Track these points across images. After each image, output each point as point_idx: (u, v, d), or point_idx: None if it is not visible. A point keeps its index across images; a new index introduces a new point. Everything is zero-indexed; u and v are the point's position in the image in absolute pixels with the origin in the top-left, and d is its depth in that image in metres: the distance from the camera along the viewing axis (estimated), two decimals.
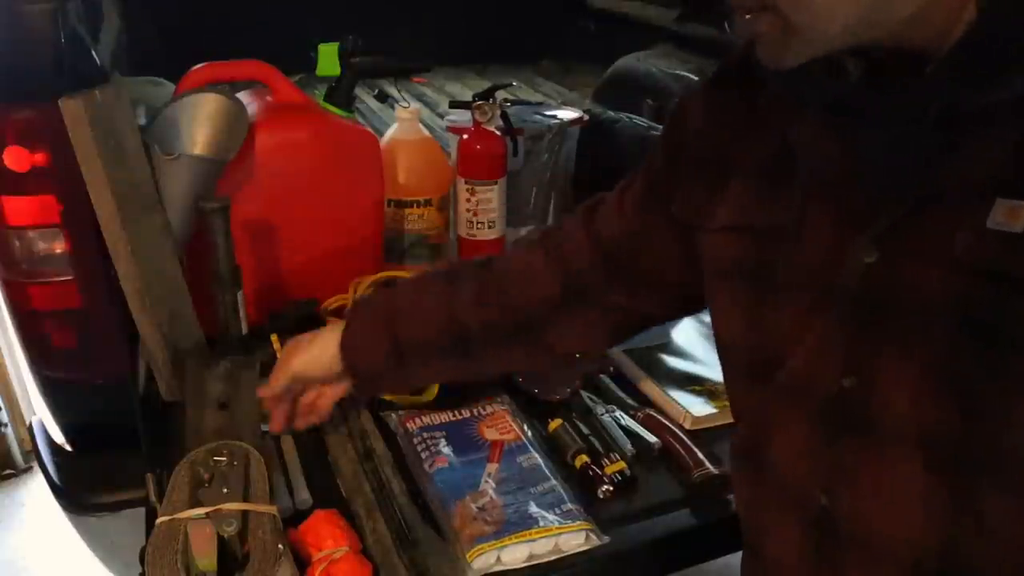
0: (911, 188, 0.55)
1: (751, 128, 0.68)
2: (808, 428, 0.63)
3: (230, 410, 0.96)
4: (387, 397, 1.02)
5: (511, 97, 1.76)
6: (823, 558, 0.63)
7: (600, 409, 1.03)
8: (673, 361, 1.13)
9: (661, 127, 0.82)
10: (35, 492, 2.15)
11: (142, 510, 0.87)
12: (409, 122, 1.32)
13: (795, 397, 0.64)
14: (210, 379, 0.99)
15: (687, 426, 1.00)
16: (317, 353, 0.91)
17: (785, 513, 0.66)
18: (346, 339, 0.90)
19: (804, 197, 0.62)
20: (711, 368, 1.08)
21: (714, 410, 1.01)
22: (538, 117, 1.52)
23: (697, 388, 1.06)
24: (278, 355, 1.06)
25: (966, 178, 0.53)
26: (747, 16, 0.55)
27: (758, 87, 0.66)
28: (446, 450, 0.93)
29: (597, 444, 0.95)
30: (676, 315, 0.92)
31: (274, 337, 1.07)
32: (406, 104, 1.41)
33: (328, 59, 1.25)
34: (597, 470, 0.91)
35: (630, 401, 1.06)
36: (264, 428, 0.95)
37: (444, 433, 0.96)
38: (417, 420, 0.98)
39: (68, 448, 1.10)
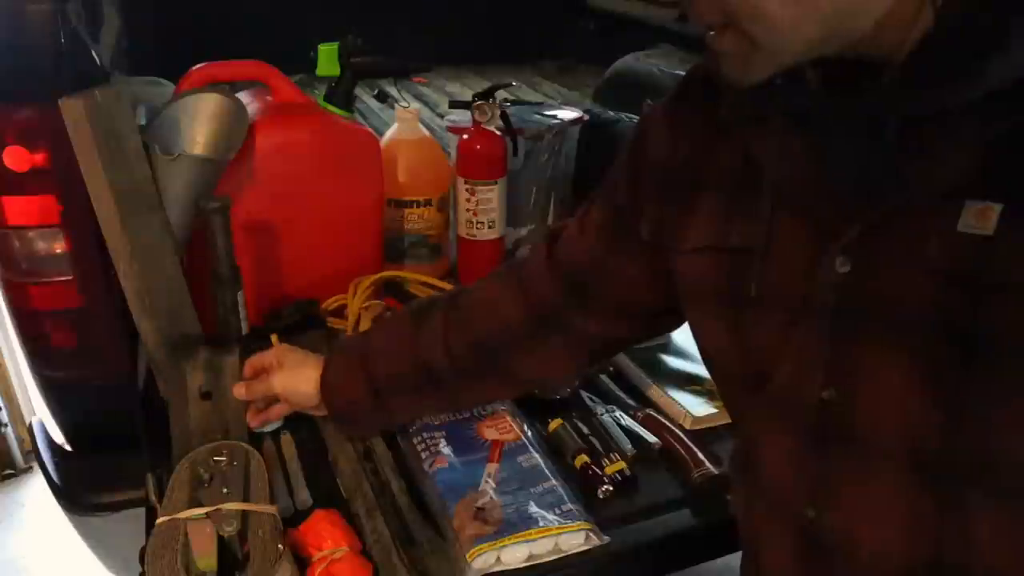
0: (879, 196, 0.55)
1: (714, 143, 0.67)
2: (794, 440, 0.63)
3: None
4: None
5: (511, 97, 1.76)
6: (812, 570, 0.63)
7: (600, 409, 1.03)
8: (673, 361, 1.13)
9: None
10: (35, 492, 2.15)
11: (142, 510, 0.87)
12: (409, 122, 1.32)
13: (781, 410, 0.64)
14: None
15: (687, 426, 1.00)
16: (301, 383, 0.92)
17: (776, 524, 0.66)
18: (325, 377, 0.91)
19: (772, 210, 0.61)
20: None
21: (714, 410, 1.01)
22: (538, 117, 1.52)
23: (697, 388, 1.06)
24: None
25: (934, 183, 0.52)
26: (711, 33, 0.55)
27: (719, 101, 0.65)
28: (446, 450, 0.93)
29: (597, 444, 0.95)
30: (648, 336, 0.92)
31: (274, 337, 1.08)
32: (406, 104, 1.41)
33: (328, 59, 1.25)
34: (597, 470, 0.91)
35: (630, 401, 1.06)
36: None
37: (444, 433, 0.96)
38: (417, 420, 0.98)
39: (68, 448, 1.10)
